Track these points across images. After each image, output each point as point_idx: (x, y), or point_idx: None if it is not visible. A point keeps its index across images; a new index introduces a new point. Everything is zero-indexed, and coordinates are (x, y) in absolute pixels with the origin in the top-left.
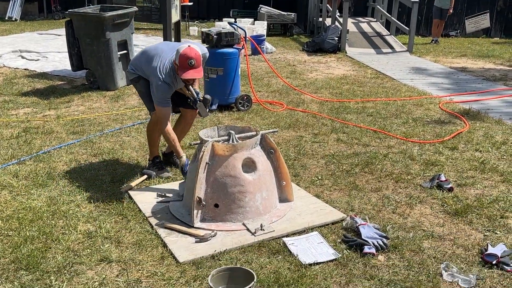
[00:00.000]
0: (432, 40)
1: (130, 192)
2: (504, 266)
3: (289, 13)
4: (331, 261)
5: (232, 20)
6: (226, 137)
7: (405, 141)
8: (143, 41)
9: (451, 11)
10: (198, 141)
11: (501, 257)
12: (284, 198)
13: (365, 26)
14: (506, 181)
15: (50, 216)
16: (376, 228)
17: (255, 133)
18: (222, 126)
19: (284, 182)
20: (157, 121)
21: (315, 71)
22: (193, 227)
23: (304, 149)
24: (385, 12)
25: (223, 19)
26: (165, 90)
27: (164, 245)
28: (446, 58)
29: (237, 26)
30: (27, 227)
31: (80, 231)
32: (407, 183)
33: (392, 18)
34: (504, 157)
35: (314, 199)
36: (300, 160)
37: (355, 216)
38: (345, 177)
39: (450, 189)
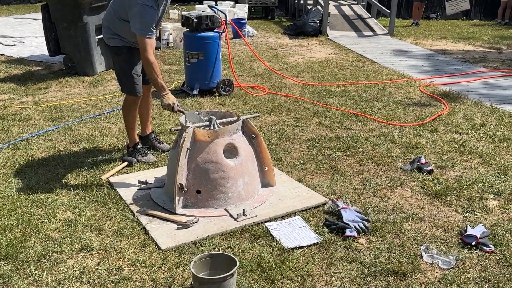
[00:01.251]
0: (413, 22)
1: (110, 179)
2: (483, 247)
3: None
4: (313, 245)
5: (213, 3)
6: (208, 123)
7: (386, 124)
8: None
9: None
10: (179, 127)
11: (480, 238)
12: (266, 183)
13: (346, 9)
14: (485, 162)
15: (29, 205)
16: (357, 212)
17: (236, 118)
18: (203, 111)
19: (266, 167)
20: (129, 104)
21: (296, 55)
22: (175, 213)
23: (286, 133)
24: None
25: (204, 2)
26: (150, 14)
27: (146, 232)
28: (426, 41)
29: (218, 10)
30: (5, 216)
31: (59, 219)
32: (388, 166)
33: (373, 0)
34: (483, 138)
35: (296, 183)
36: (282, 145)
37: (337, 199)
38: (327, 161)
39: (430, 171)
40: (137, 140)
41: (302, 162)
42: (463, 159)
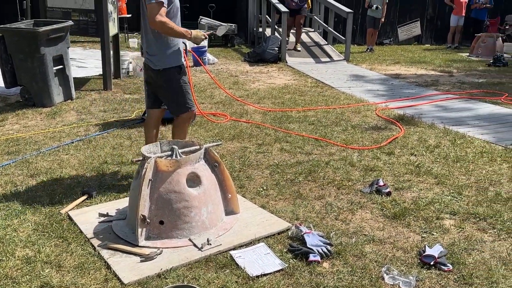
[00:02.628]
0: (367, 48)
1: (70, 213)
2: (441, 266)
3: (229, 24)
4: (278, 271)
5: None
6: (169, 153)
7: (345, 148)
8: (80, 54)
9: (383, 20)
10: (141, 158)
11: (438, 258)
12: (230, 210)
13: (303, 36)
14: (440, 183)
15: None
16: (320, 236)
17: (198, 147)
18: (165, 141)
19: (229, 195)
20: (184, 122)
21: (257, 81)
22: (137, 246)
23: (248, 160)
24: (322, 23)
25: None
26: None
27: (108, 267)
28: (381, 66)
29: None
30: None
31: (18, 256)
32: (348, 189)
33: (329, 28)
34: (437, 160)
35: (260, 210)
36: (245, 171)
37: (300, 224)
38: (290, 186)
39: (388, 193)
40: None
41: (265, 188)
42: (419, 180)
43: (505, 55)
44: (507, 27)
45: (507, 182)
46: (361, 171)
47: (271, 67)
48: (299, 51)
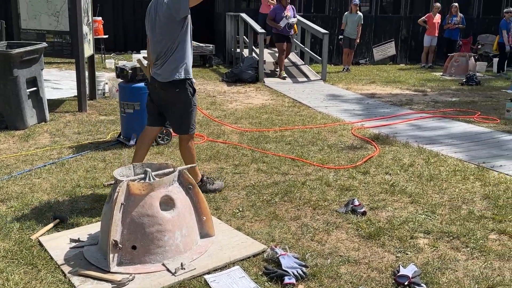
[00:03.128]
0: (344, 68)
1: (40, 238)
2: (416, 286)
3: (207, 44)
4: None
5: None
6: (143, 175)
7: (322, 168)
8: (56, 75)
9: (357, 40)
10: (113, 181)
11: (412, 278)
12: (205, 233)
13: None
14: (414, 202)
15: None
16: (295, 258)
17: (172, 169)
18: (139, 164)
19: (204, 217)
20: (188, 141)
21: (235, 101)
22: (109, 272)
23: (225, 181)
24: (299, 43)
25: (141, 51)
26: None
27: None
28: (357, 85)
29: None
30: None
31: None
32: (324, 209)
33: (306, 48)
34: (412, 178)
35: (236, 232)
36: (221, 193)
37: (276, 246)
38: (266, 208)
39: (364, 213)
40: (200, 173)
41: (241, 209)
42: (394, 199)
43: (477, 74)
44: (479, 47)
45: (479, 200)
46: (337, 190)
47: (248, 87)
48: (285, 78)
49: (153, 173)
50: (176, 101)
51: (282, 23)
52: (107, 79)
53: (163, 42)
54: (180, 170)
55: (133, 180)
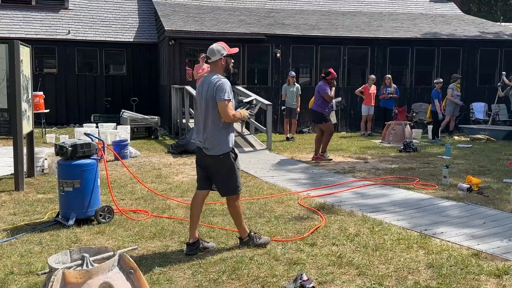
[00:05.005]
0: (288, 137)
1: None
2: None
3: (152, 116)
4: None
5: (94, 125)
6: (80, 262)
7: (269, 240)
8: None
9: (298, 110)
10: (47, 270)
11: None
12: None
13: None
14: (362, 274)
15: None
16: None
17: (112, 253)
18: (76, 249)
19: None
20: (236, 200)
21: (181, 174)
22: None
23: (170, 260)
24: None
25: (84, 124)
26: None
27: None
28: (301, 154)
29: (94, 136)
30: None
31: None
32: (273, 286)
33: (251, 119)
34: (358, 249)
35: None
36: (166, 274)
37: None
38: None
39: None
40: (247, 229)
41: None
42: (342, 271)
43: (414, 141)
44: (414, 115)
45: (424, 269)
46: (285, 265)
47: (195, 158)
48: (330, 160)
49: (92, 258)
50: (221, 169)
51: (335, 101)
52: (46, 155)
53: (209, 121)
54: (120, 254)
55: (69, 268)
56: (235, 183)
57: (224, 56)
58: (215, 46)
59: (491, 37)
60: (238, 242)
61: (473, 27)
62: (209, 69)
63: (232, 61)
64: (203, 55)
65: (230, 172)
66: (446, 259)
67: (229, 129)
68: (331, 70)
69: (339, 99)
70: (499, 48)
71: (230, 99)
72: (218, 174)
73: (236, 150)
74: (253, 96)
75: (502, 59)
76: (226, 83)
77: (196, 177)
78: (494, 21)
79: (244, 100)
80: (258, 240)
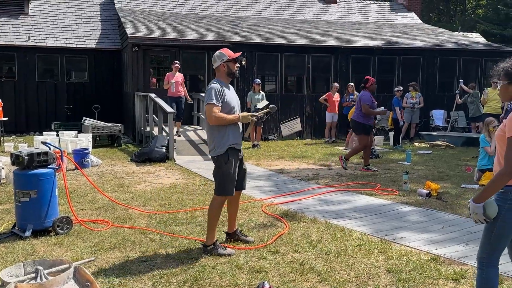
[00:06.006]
0: (253, 144)
1: None
2: None
3: (115, 124)
4: None
5: (54, 133)
6: (34, 275)
7: (232, 249)
8: None
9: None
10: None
11: None
12: None
13: (191, 134)
14: (323, 280)
15: None
16: None
17: (67, 265)
18: (30, 261)
19: None
20: (218, 204)
21: (144, 182)
22: None
23: (130, 271)
24: None
25: (44, 132)
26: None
27: None
28: (266, 161)
29: (52, 145)
30: None
31: None
32: None
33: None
34: (320, 255)
35: None
36: (125, 285)
37: None
38: None
39: None
40: (215, 238)
41: None
42: (303, 278)
43: (376, 147)
44: (376, 122)
45: (384, 274)
46: (247, 273)
47: (158, 166)
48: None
49: (46, 271)
50: (215, 168)
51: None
52: (3, 164)
53: (206, 126)
54: (76, 266)
55: (22, 281)
56: (221, 185)
57: (224, 62)
58: (217, 52)
59: (449, 46)
60: (202, 250)
61: (432, 36)
62: (180, 79)
63: (237, 65)
64: (177, 64)
65: (220, 174)
66: (405, 264)
67: (223, 132)
68: (368, 77)
69: (382, 108)
70: (457, 57)
71: (214, 103)
72: (214, 171)
73: (241, 153)
74: (265, 103)
75: (460, 67)
76: (214, 87)
77: (159, 186)
78: (453, 30)
79: (257, 106)
80: (222, 250)
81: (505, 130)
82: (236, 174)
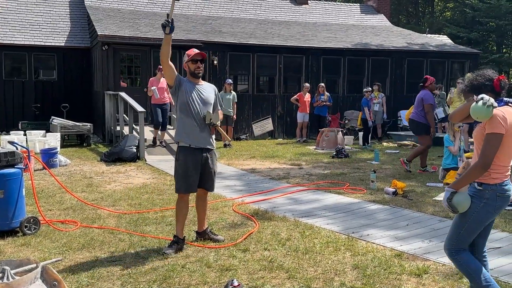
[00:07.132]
0: (225, 144)
1: None
2: None
3: (84, 123)
4: None
5: (22, 132)
6: (0, 275)
7: (202, 248)
8: None
9: (234, 117)
10: None
11: None
12: None
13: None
14: (291, 277)
15: None
16: None
17: (35, 265)
18: None
19: None
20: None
21: (113, 182)
22: None
23: (99, 271)
24: None
25: (11, 132)
26: None
27: None
28: (238, 161)
29: (19, 145)
30: None
31: None
32: None
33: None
34: (289, 253)
35: None
36: (94, 285)
37: None
38: None
39: None
40: (184, 235)
41: None
42: (272, 276)
43: (346, 147)
44: (346, 122)
45: (350, 271)
46: (217, 271)
47: (129, 166)
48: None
49: (13, 271)
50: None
51: (439, 112)
52: None
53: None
54: (43, 266)
55: None
56: (175, 181)
57: (185, 62)
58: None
59: (417, 48)
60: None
61: (401, 38)
62: (165, 85)
63: (198, 65)
64: (161, 67)
65: (174, 170)
66: (370, 260)
67: (179, 129)
68: (427, 76)
69: (441, 109)
70: (424, 58)
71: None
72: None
73: (207, 153)
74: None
75: (427, 68)
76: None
77: (129, 186)
78: (421, 32)
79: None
80: (168, 250)
81: (484, 127)
82: (193, 174)
